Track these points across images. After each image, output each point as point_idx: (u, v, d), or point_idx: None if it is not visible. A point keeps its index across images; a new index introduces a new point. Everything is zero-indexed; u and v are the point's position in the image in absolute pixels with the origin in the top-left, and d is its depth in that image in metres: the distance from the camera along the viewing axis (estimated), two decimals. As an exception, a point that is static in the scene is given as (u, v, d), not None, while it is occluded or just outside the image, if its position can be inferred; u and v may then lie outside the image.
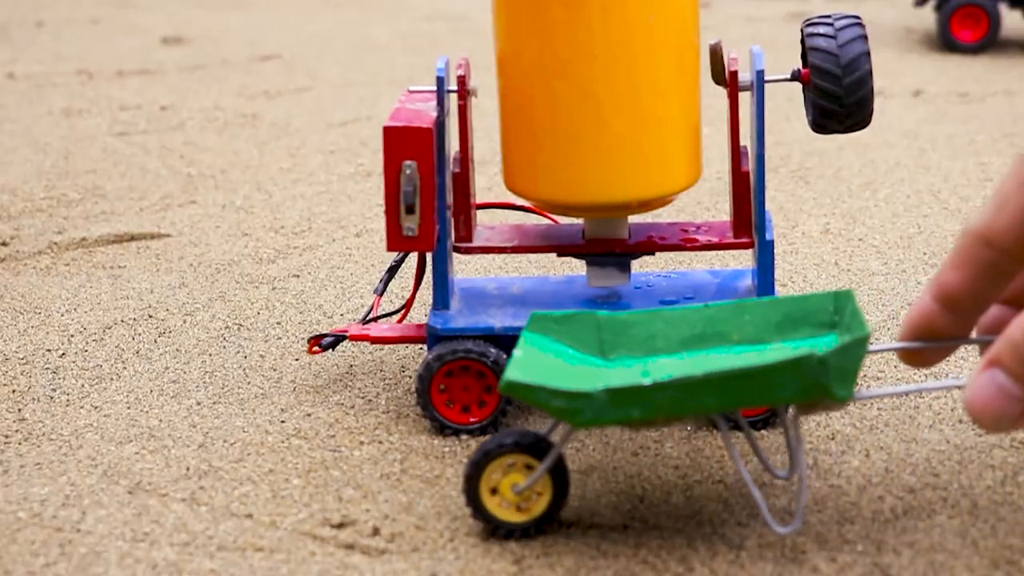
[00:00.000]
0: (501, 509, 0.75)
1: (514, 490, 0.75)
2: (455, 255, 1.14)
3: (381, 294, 0.96)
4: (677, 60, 0.85)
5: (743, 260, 1.13)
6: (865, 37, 0.85)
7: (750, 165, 0.88)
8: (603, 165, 0.85)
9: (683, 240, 0.90)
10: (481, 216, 1.19)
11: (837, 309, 0.78)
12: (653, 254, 0.91)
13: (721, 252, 1.16)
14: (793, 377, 0.69)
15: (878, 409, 0.89)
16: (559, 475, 0.75)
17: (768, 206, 1.24)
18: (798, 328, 0.78)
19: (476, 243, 0.91)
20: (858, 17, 0.86)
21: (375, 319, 0.95)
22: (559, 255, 0.91)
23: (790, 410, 0.74)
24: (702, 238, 0.90)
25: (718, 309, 0.80)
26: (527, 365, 0.76)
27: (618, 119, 0.84)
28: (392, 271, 0.96)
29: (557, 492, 0.75)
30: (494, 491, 0.75)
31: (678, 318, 0.80)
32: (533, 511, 0.75)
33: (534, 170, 0.87)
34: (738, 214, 0.89)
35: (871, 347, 0.75)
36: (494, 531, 0.76)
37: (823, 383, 0.69)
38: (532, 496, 0.75)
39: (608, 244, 0.90)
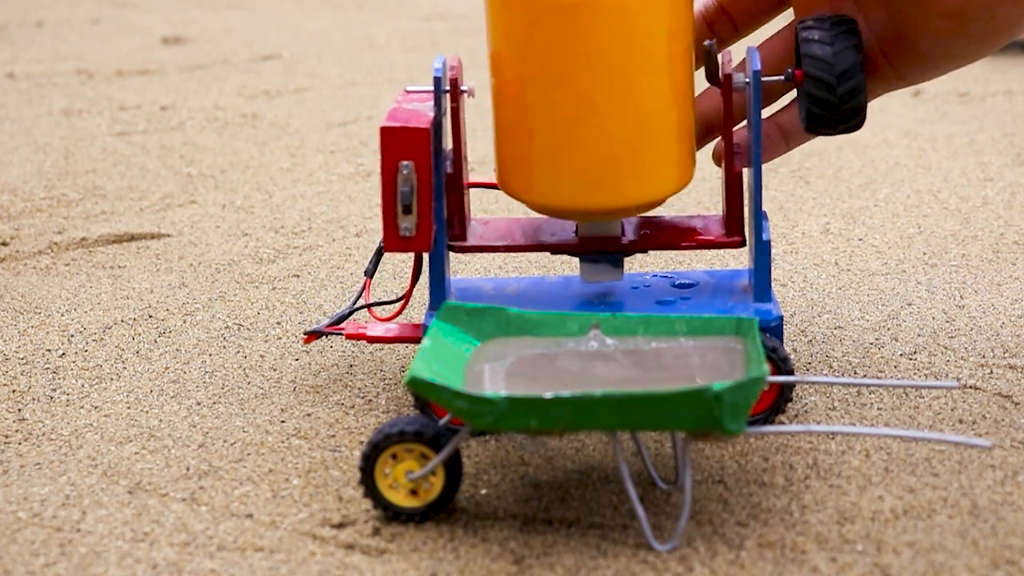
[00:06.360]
0: (392, 491, 0.77)
1: (408, 477, 0.77)
2: (452, 254, 1.14)
3: (371, 275, 0.94)
4: (675, 65, 0.85)
5: (743, 260, 1.13)
6: (859, 45, 0.85)
7: (747, 166, 0.88)
8: (600, 172, 0.85)
9: (676, 238, 0.90)
10: (475, 203, 1.19)
11: (739, 335, 0.80)
12: (647, 252, 0.91)
13: (720, 252, 1.16)
14: (688, 407, 0.72)
15: (878, 409, 0.89)
16: (453, 465, 0.77)
17: (768, 206, 1.24)
18: None
19: (470, 242, 0.90)
20: (853, 22, 0.85)
21: (368, 307, 0.94)
22: (552, 253, 0.91)
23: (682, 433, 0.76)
24: (696, 235, 0.90)
25: (625, 320, 0.82)
26: (433, 358, 0.78)
27: (616, 127, 0.84)
28: (380, 252, 0.94)
29: (450, 480, 0.77)
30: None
31: (586, 324, 0.82)
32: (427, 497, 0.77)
33: (529, 175, 0.86)
34: (731, 213, 0.89)
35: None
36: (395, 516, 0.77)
37: (716, 416, 0.72)
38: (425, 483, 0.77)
39: (601, 243, 0.89)
